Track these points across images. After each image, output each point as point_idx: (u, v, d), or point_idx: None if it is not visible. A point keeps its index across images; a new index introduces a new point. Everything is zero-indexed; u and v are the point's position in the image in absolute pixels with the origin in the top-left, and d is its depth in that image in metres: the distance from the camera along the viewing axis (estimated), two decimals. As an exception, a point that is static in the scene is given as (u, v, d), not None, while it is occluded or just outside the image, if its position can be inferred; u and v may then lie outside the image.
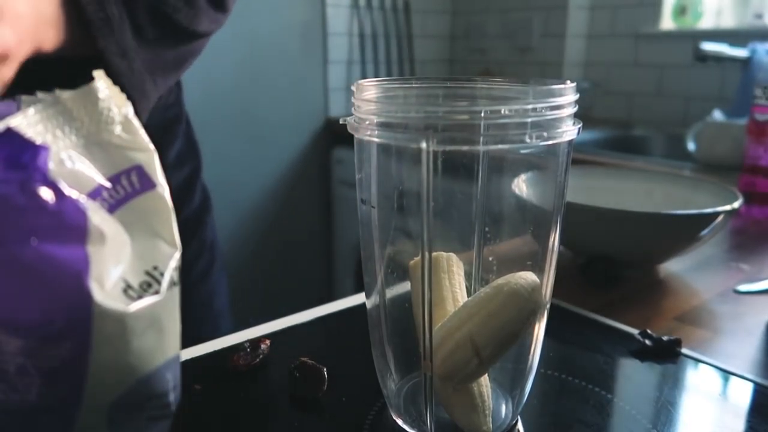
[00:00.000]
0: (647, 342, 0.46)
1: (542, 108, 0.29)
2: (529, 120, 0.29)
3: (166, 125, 0.64)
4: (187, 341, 0.46)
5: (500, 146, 0.29)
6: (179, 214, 0.33)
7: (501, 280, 0.33)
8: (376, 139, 0.31)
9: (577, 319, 0.51)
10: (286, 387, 0.39)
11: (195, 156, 0.69)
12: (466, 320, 0.32)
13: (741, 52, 1.44)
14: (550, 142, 0.29)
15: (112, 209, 0.25)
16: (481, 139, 0.28)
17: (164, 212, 0.26)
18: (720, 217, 0.58)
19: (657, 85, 1.89)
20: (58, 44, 0.44)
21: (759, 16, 1.79)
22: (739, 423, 0.38)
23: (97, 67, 0.26)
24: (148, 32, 0.49)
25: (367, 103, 0.31)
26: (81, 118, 0.25)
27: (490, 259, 0.37)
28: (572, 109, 0.31)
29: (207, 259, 0.70)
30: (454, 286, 0.36)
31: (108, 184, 0.25)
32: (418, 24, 2.22)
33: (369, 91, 0.32)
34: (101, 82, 0.26)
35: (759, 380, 0.42)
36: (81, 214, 0.22)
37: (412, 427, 0.35)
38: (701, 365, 0.44)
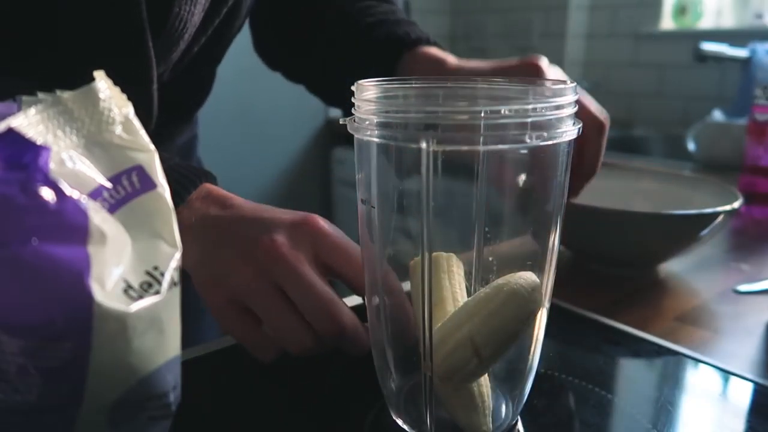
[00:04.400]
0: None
1: (542, 108, 0.29)
2: (529, 120, 0.29)
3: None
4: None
5: (500, 146, 0.29)
6: None
7: (501, 280, 0.33)
8: (376, 139, 0.31)
9: (577, 319, 0.51)
10: (286, 387, 0.39)
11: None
12: (466, 320, 0.32)
13: (741, 52, 1.44)
14: (550, 142, 0.29)
15: (112, 209, 0.25)
16: (481, 139, 0.28)
17: (165, 212, 0.26)
18: (720, 217, 0.58)
19: (657, 85, 1.89)
20: None
21: (759, 16, 1.79)
22: (739, 423, 0.38)
23: None
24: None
25: (367, 103, 0.31)
26: (82, 119, 0.25)
27: (490, 259, 0.37)
28: (572, 109, 0.31)
29: None
30: (454, 286, 0.36)
31: (108, 185, 0.25)
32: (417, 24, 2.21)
33: (369, 91, 0.32)
34: (102, 83, 0.26)
35: (759, 380, 0.42)
36: (82, 214, 0.22)
37: (412, 427, 0.35)
38: (701, 365, 0.44)
